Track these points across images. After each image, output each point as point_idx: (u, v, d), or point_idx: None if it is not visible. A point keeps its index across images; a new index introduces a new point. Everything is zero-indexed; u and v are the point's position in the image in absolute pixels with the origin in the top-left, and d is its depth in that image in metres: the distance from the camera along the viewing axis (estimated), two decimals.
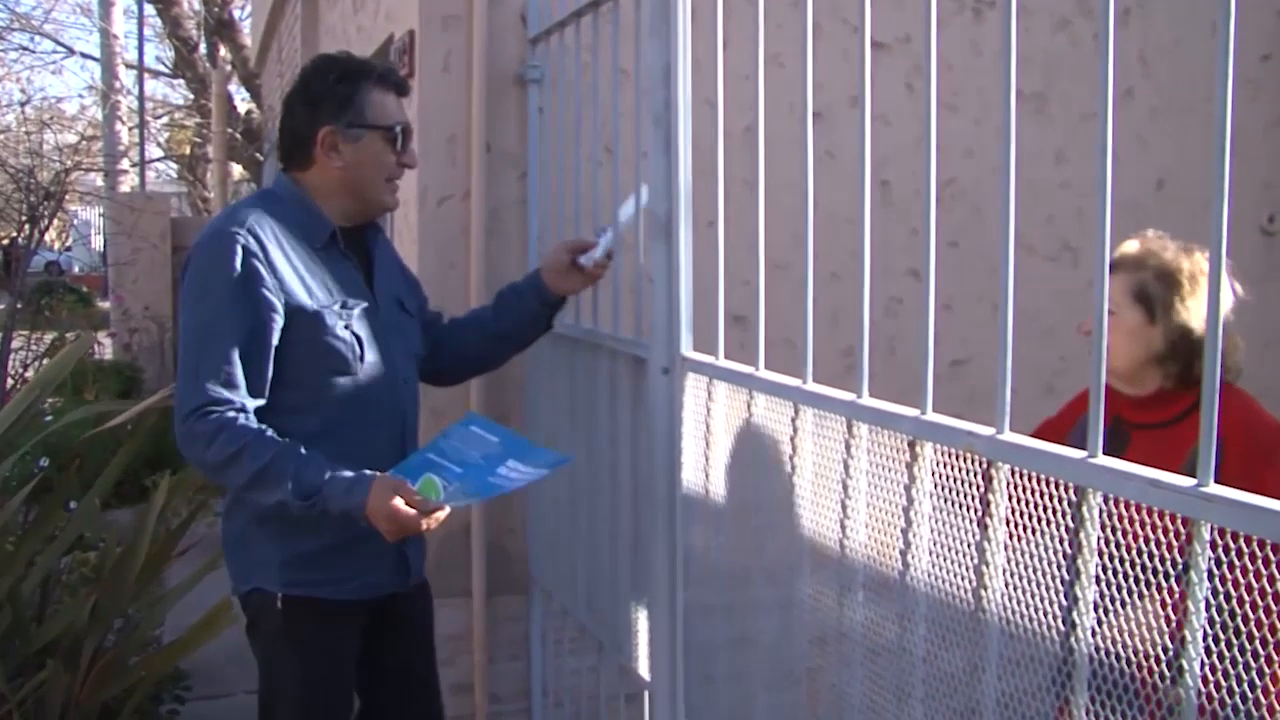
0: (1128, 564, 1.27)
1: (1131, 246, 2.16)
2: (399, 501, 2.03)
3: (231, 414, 2.08)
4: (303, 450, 2.09)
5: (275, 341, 2.14)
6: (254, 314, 2.12)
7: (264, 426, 2.10)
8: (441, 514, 2.10)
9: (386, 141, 2.26)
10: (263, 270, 2.12)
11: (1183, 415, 2.03)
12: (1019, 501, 1.35)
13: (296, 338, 2.16)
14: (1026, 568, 1.39)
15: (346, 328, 2.21)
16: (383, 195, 2.30)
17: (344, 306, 2.22)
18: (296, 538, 2.19)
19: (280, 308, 2.14)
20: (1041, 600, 1.37)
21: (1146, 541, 1.24)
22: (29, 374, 5.95)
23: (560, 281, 2.46)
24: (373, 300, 2.29)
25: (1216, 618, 1.12)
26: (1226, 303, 2.06)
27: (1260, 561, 1.08)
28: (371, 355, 2.25)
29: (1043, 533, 1.34)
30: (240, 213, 2.21)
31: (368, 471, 2.09)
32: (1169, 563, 1.22)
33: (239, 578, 2.29)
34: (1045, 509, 1.32)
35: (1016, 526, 1.37)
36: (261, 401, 2.13)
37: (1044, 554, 1.37)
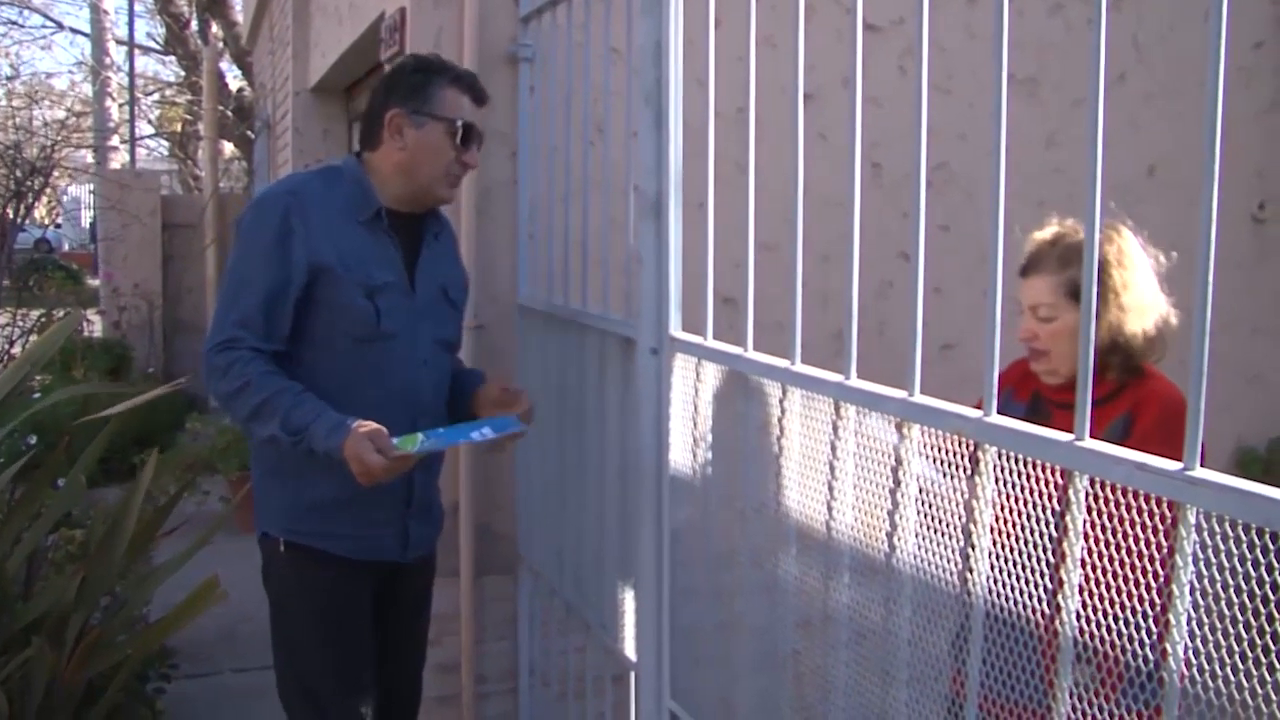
0: (1113, 546, 1.27)
1: (1043, 240, 2.11)
2: (369, 446, 2.11)
3: (245, 351, 2.22)
4: (301, 392, 2.21)
5: (298, 295, 2.26)
6: (282, 269, 2.25)
7: (274, 368, 2.23)
8: (408, 464, 2.20)
9: (448, 134, 2.34)
10: (299, 229, 2.26)
11: (1107, 398, 2.00)
12: (1006, 484, 1.35)
13: (320, 296, 2.28)
14: (1013, 550, 1.39)
15: (368, 297, 2.30)
16: (436, 185, 2.37)
17: (369, 277, 2.31)
18: (299, 488, 2.33)
19: (307, 266, 2.25)
20: (1027, 583, 1.37)
21: (1132, 525, 1.25)
22: (15, 350, 5.92)
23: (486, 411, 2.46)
24: (407, 282, 2.38)
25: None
26: (1146, 287, 2.03)
27: (1245, 545, 1.08)
28: (391, 328, 2.33)
29: (1029, 515, 1.34)
30: (293, 180, 2.41)
31: (354, 420, 2.17)
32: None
33: (256, 523, 2.43)
34: (1032, 491, 1.32)
35: (1003, 509, 1.37)
36: (279, 347, 2.26)
37: (1031, 536, 1.37)
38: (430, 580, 2.63)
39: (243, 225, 2.33)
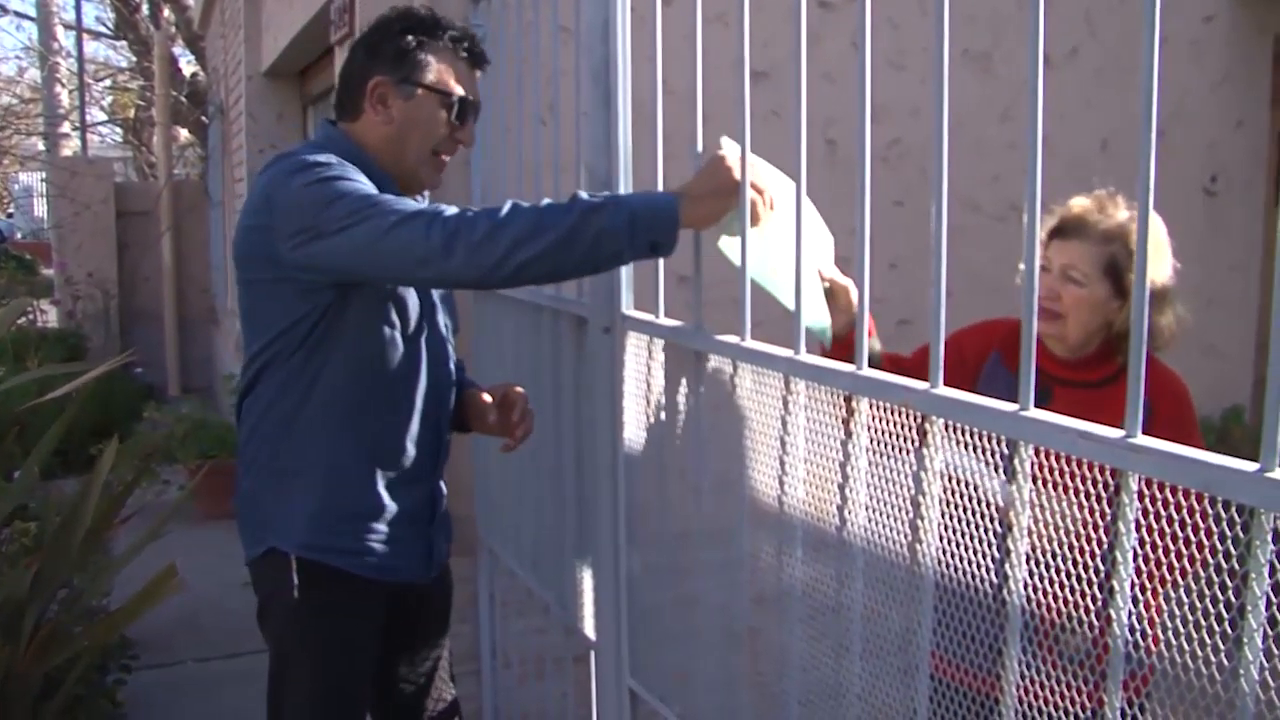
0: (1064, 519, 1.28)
1: (1085, 208, 2.09)
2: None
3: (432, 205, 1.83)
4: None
5: None
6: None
7: None
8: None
9: (442, 108, 2.04)
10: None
11: (1113, 377, 2.03)
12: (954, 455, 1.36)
13: (354, 294, 1.97)
14: (960, 521, 1.39)
15: (393, 289, 2.03)
16: (422, 166, 2.07)
17: None
18: (328, 492, 2.03)
19: None
20: (976, 554, 1.38)
21: (1076, 494, 1.26)
22: None
23: (476, 421, 2.28)
24: None
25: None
26: (1165, 275, 2.04)
27: (1185, 511, 1.09)
28: (415, 326, 2.08)
29: (978, 486, 1.35)
30: (307, 149, 2.01)
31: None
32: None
33: (252, 540, 2.09)
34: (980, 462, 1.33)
35: (952, 480, 1.38)
36: None
37: (979, 507, 1.38)
38: (449, 601, 2.39)
39: (304, 168, 1.91)
